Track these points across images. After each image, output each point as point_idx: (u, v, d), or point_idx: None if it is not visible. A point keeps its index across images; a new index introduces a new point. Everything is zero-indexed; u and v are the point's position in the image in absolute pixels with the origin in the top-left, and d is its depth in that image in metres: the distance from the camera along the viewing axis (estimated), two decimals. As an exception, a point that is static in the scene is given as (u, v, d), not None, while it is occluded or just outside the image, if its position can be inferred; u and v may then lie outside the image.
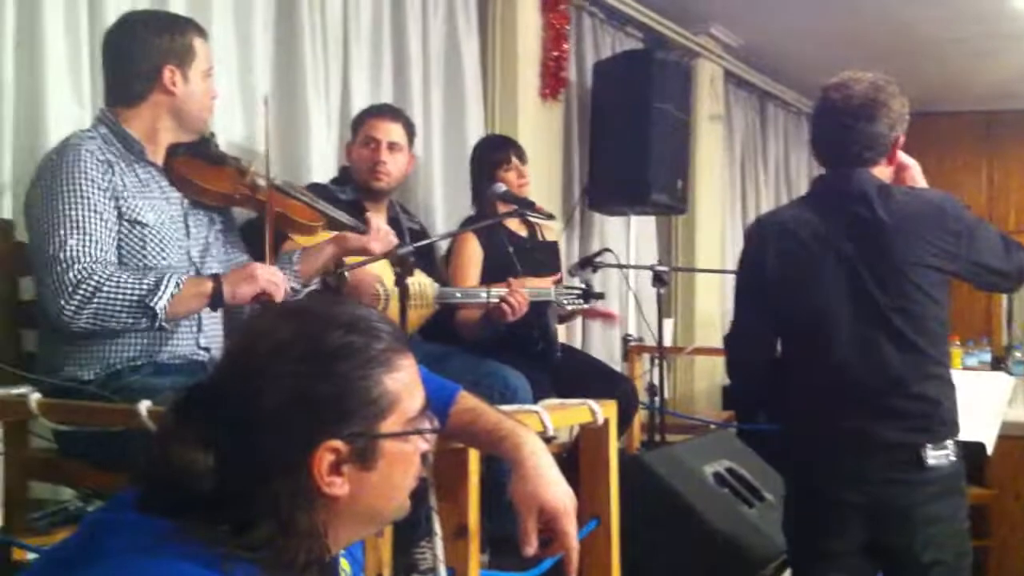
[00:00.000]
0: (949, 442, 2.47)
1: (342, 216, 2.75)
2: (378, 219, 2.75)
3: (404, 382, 1.24)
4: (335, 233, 2.72)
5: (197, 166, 2.51)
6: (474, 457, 1.90)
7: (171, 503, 1.14)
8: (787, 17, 6.08)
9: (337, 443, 1.17)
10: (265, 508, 1.14)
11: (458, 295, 3.22)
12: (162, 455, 1.16)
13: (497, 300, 3.21)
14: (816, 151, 2.69)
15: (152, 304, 2.19)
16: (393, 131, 3.36)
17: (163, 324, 2.26)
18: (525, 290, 3.25)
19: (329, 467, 1.18)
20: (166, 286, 2.21)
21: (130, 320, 2.22)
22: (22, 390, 2.23)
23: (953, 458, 2.47)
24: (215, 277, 2.32)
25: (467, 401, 1.69)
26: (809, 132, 2.76)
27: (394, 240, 2.73)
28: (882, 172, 2.60)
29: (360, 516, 1.24)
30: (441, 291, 3.16)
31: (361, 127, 3.38)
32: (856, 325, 2.50)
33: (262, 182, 2.55)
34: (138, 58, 2.42)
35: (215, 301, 2.29)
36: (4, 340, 2.51)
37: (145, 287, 2.20)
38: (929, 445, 2.44)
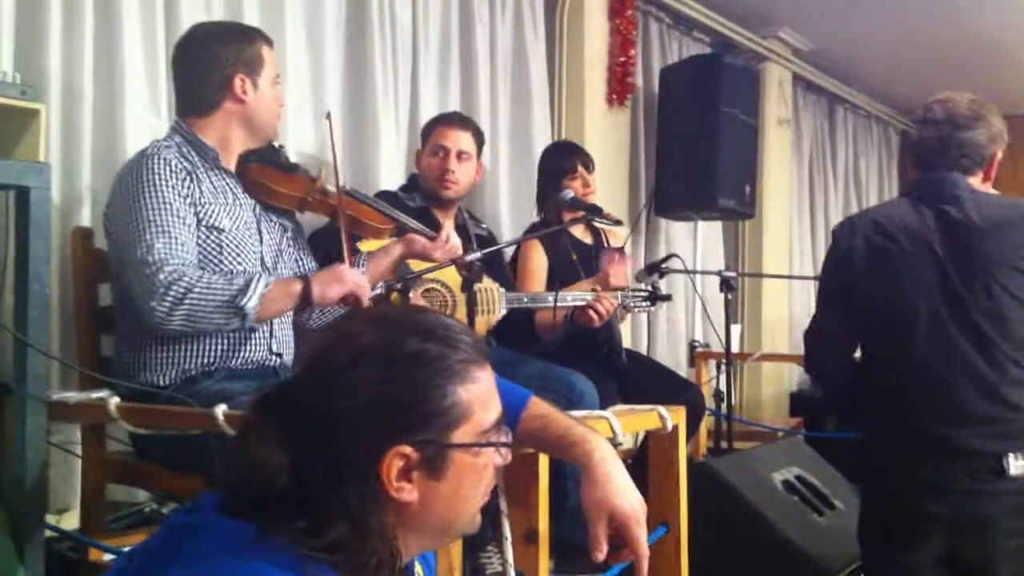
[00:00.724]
0: None
1: (410, 221, 2.77)
2: (449, 229, 2.76)
3: (478, 394, 1.24)
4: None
5: (269, 172, 2.56)
6: (544, 462, 1.91)
7: (250, 505, 1.16)
8: (857, 20, 6.02)
9: (407, 449, 1.19)
10: (337, 509, 1.16)
11: (525, 300, 3.24)
12: (241, 456, 1.19)
13: (566, 304, 3.23)
14: (914, 156, 2.72)
15: (242, 304, 2.22)
16: (462, 139, 3.37)
17: (253, 324, 2.31)
18: (588, 294, 3.26)
19: (399, 473, 1.19)
20: (255, 287, 2.25)
21: (221, 320, 2.25)
22: (101, 394, 2.27)
23: None
24: (304, 278, 2.35)
25: (538, 407, 1.70)
26: (909, 140, 2.81)
27: (458, 250, 2.73)
28: (976, 184, 2.60)
29: (429, 526, 1.25)
30: (509, 296, 3.18)
31: (430, 135, 3.40)
32: (941, 324, 2.47)
33: (332, 188, 2.59)
34: (209, 68, 2.47)
35: (304, 301, 2.32)
36: (83, 345, 2.57)
37: (235, 287, 2.24)
38: (1012, 453, 2.39)
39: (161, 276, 2.20)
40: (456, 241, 2.73)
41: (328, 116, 2.69)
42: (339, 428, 1.18)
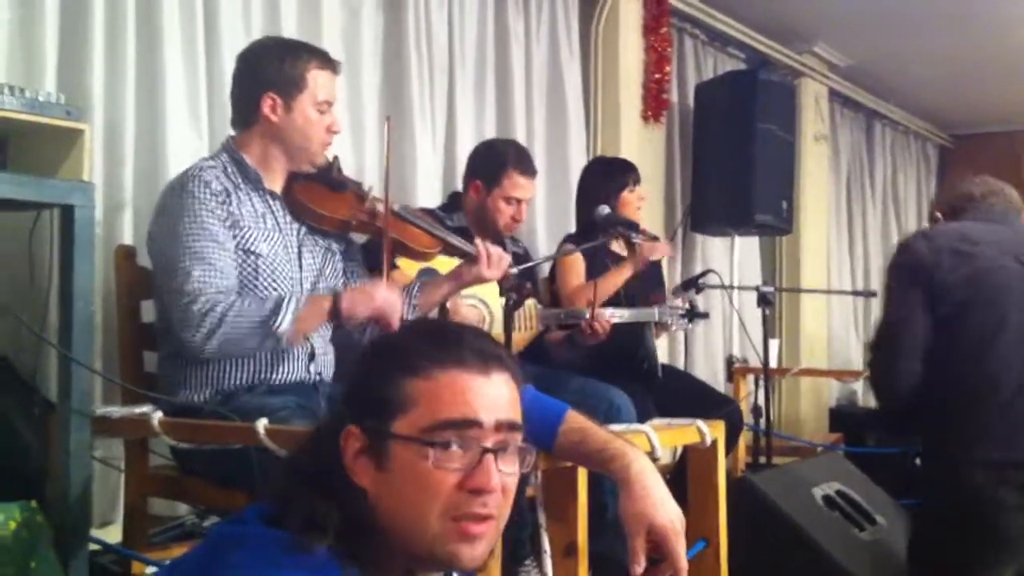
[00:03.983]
0: None
1: (457, 241, 2.71)
2: (490, 245, 2.70)
3: (430, 391, 1.23)
4: (452, 266, 2.71)
5: (316, 192, 2.51)
6: (583, 476, 1.91)
7: (280, 512, 1.20)
8: (893, 36, 5.99)
9: (355, 429, 1.25)
10: (328, 492, 1.23)
11: (562, 316, 3.24)
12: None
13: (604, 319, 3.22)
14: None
15: (274, 326, 2.23)
16: (532, 188, 3.40)
17: (288, 344, 2.31)
18: (628, 311, 3.26)
19: (354, 453, 1.25)
20: (287, 307, 2.25)
21: (255, 343, 2.27)
22: (144, 409, 2.29)
23: None
24: (335, 294, 2.34)
25: (575, 421, 1.70)
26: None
27: (507, 260, 2.69)
28: None
29: (392, 527, 1.23)
30: (544, 313, 3.18)
31: (503, 179, 3.30)
32: None
33: (381, 207, 2.53)
34: (245, 83, 2.46)
35: (333, 316, 2.32)
36: (126, 361, 2.60)
37: (267, 310, 2.25)
38: None
39: (196, 307, 2.21)
40: (498, 251, 2.68)
41: (388, 120, 2.64)
42: (332, 409, 1.29)
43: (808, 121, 6.34)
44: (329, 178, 2.54)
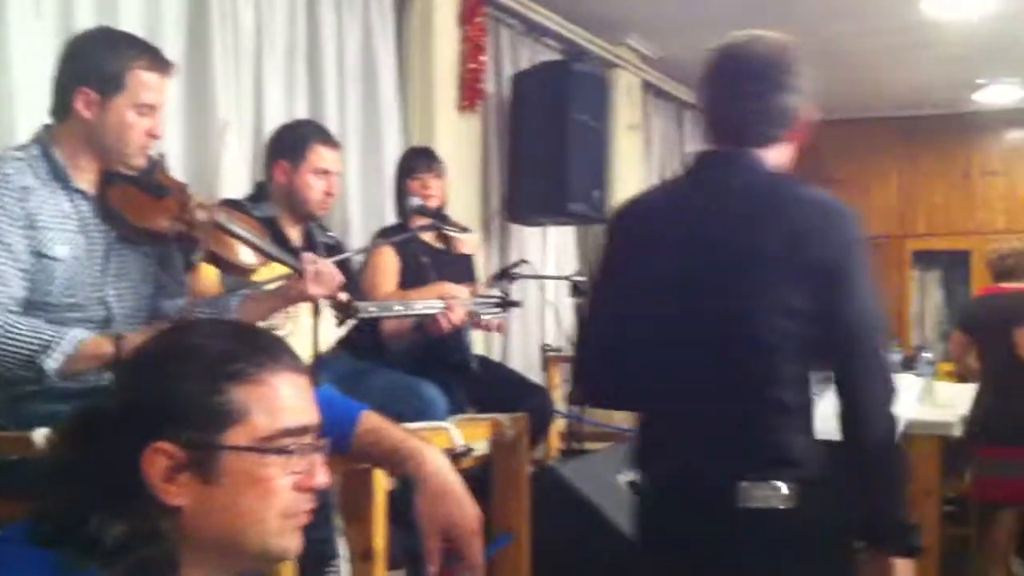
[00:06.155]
0: None
1: (284, 256, 2.56)
2: (316, 257, 2.55)
3: (262, 398, 1.19)
4: (276, 283, 2.55)
5: (133, 198, 2.31)
6: (380, 478, 1.89)
7: (52, 531, 1.13)
8: (705, 29, 6.05)
9: (168, 446, 1.15)
10: (114, 512, 1.13)
11: (372, 310, 3.20)
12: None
13: (415, 312, 3.21)
14: None
15: (40, 363, 2.08)
16: (339, 160, 3.31)
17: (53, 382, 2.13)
18: (438, 302, 3.24)
19: (165, 472, 1.15)
20: (61, 346, 2.09)
21: (19, 372, 2.11)
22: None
23: None
24: (119, 340, 2.14)
25: (371, 421, 1.67)
26: None
27: (338, 279, 2.52)
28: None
29: (210, 540, 1.18)
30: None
31: (307, 153, 3.20)
32: None
33: (203, 216, 2.35)
34: (63, 73, 2.28)
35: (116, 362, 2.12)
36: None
37: (38, 344, 2.08)
38: None
39: None
40: (328, 270, 2.51)
41: (225, 125, 2.47)
42: (104, 426, 1.15)
43: (621, 112, 6.46)
44: (149, 182, 2.33)
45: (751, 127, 2.09)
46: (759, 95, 2.10)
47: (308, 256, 2.53)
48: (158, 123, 2.32)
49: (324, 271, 2.48)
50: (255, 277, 2.60)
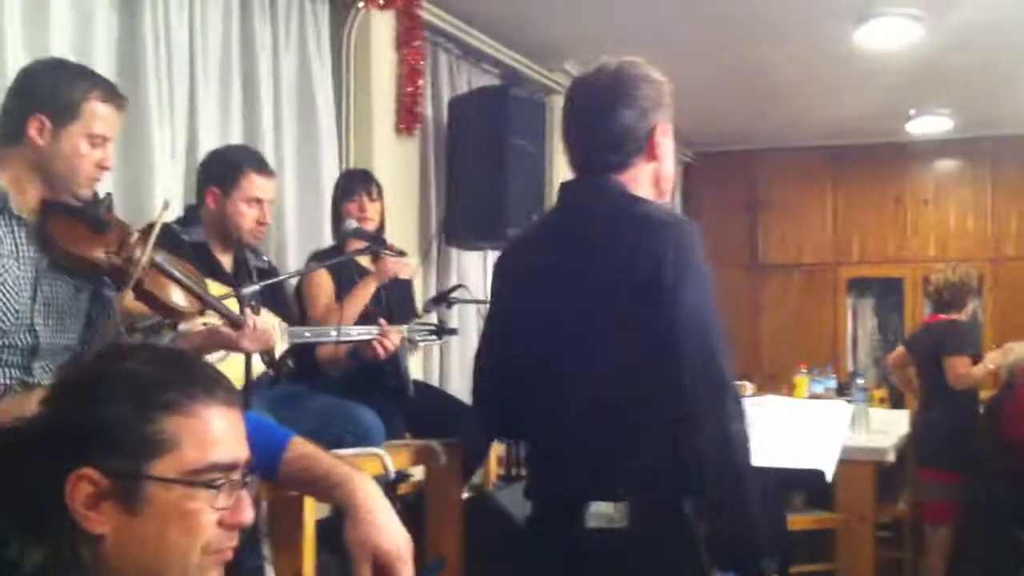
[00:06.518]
0: None
1: (221, 306, 2.53)
2: (258, 318, 2.57)
3: (193, 430, 1.17)
4: (208, 325, 2.54)
5: (72, 227, 2.27)
6: (309, 505, 1.86)
7: None
8: (640, 56, 6.20)
9: (92, 472, 1.13)
10: (35, 537, 1.11)
11: (307, 335, 3.16)
12: None
13: (350, 339, 3.19)
14: None
15: None
16: (273, 188, 3.26)
17: None
18: (374, 328, 3.22)
19: (88, 499, 1.13)
20: None
21: None
22: None
23: None
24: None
25: (300, 448, 1.65)
26: None
27: (271, 341, 2.57)
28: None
29: (135, 573, 1.16)
30: (291, 331, 3.10)
31: (240, 181, 3.14)
32: None
33: (141, 254, 2.29)
34: (16, 100, 2.28)
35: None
36: None
37: None
38: None
39: None
40: (265, 328, 2.56)
41: (166, 206, 2.42)
42: (28, 449, 1.13)
43: (559, 136, 6.46)
44: (92, 215, 2.31)
45: (594, 154, 2.16)
46: (598, 123, 2.17)
47: (248, 313, 2.56)
48: (109, 155, 2.34)
49: (261, 328, 2.53)
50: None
